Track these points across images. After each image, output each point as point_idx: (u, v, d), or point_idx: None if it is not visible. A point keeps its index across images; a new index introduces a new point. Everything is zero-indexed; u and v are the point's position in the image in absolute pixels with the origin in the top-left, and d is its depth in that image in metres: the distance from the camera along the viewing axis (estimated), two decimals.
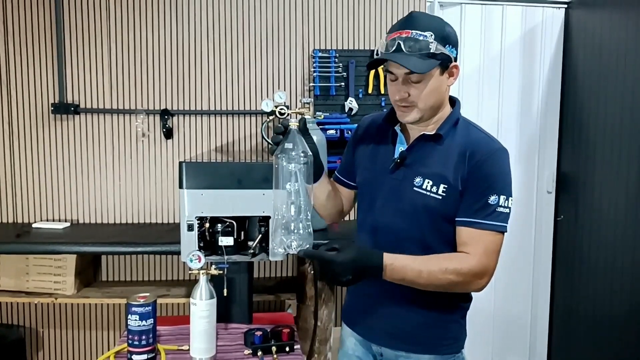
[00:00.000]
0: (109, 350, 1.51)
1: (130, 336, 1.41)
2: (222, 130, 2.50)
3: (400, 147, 1.31)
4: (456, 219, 1.24)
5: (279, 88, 2.49)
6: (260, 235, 1.71)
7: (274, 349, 1.50)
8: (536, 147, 2.69)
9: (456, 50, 1.25)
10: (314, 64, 2.46)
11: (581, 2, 2.53)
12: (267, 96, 2.47)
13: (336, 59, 2.46)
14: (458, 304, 1.32)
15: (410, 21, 1.21)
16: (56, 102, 2.42)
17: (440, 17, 1.27)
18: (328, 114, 2.46)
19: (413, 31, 1.19)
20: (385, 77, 1.32)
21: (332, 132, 2.37)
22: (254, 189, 1.65)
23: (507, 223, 1.22)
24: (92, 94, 2.44)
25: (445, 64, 1.23)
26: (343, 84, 2.47)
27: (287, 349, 1.52)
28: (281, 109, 2.19)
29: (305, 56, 2.49)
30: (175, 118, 2.47)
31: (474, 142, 1.24)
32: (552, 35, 2.63)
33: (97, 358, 1.44)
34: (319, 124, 2.32)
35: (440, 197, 1.23)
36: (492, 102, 2.64)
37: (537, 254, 2.72)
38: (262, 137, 2.36)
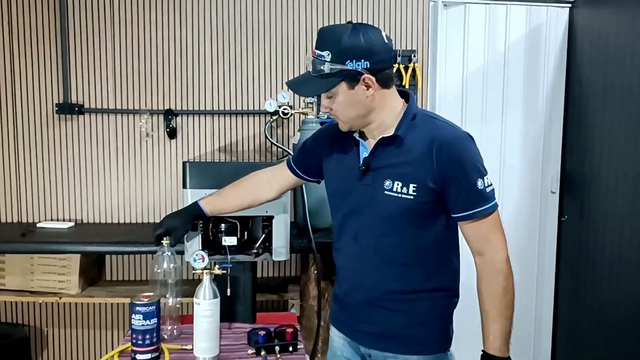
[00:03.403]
0: (113, 349, 1.51)
1: (134, 335, 1.42)
2: (226, 130, 2.51)
3: (364, 153, 1.32)
4: (456, 215, 1.26)
5: (282, 88, 2.49)
6: (264, 235, 1.72)
7: (277, 348, 1.50)
8: (540, 147, 2.68)
9: (367, 60, 1.21)
10: None
11: (586, 1, 2.52)
12: (271, 96, 2.47)
13: None
14: (442, 303, 1.34)
15: (318, 40, 1.26)
16: (60, 102, 2.43)
17: (349, 26, 1.24)
18: None
19: (317, 51, 1.24)
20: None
21: None
22: None
23: (495, 196, 1.27)
24: (96, 94, 2.45)
25: (352, 77, 1.22)
26: None
27: (291, 348, 1.52)
28: (284, 108, 2.21)
29: (309, 56, 2.49)
30: (179, 118, 2.48)
31: (439, 135, 1.24)
32: (557, 35, 2.62)
33: (101, 357, 1.44)
34: (321, 123, 2.32)
35: (412, 197, 1.23)
36: (496, 101, 2.63)
37: (541, 254, 2.72)
38: (266, 137, 2.36)
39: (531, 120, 2.66)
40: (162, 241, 1.52)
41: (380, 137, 1.29)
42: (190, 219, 1.55)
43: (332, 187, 1.41)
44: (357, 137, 1.33)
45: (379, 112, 1.28)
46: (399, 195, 1.24)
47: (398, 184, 1.25)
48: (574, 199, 2.59)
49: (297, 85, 1.31)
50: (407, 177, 1.24)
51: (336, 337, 1.45)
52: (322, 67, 1.22)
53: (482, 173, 1.24)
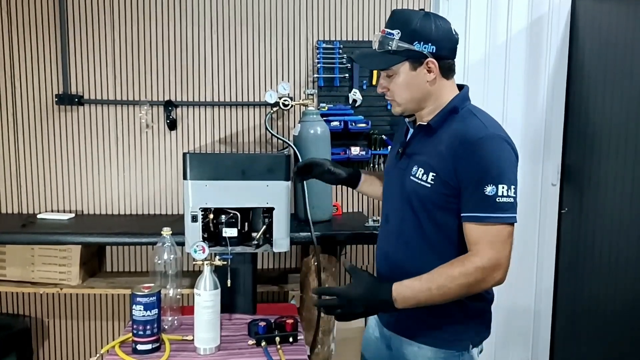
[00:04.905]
0: (113, 340, 1.52)
1: (135, 326, 1.42)
2: (226, 121, 2.50)
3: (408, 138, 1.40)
4: (461, 215, 1.23)
5: (282, 79, 2.48)
6: (264, 227, 1.71)
7: (277, 339, 1.50)
8: (541, 139, 2.67)
9: (434, 45, 1.26)
10: (318, 55, 2.45)
11: None
12: (271, 87, 2.46)
13: (340, 50, 2.45)
14: (462, 302, 1.27)
15: (390, 19, 1.31)
16: (60, 93, 2.42)
17: (422, 12, 1.30)
18: (332, 105, 2.45)
19: (387, 29, 1.28)
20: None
21: (335, 123, 2.36)
22: (257, 180, 1.65)
23: (513, 212, 1.18)
24: (96, 85, 2.44)
25: (416, 59, 1.27)
26: (347, 75, 2.46)
27: (291, 339, 1.53)
28: (285, 100, 2.20)
29: (310, 47, 2.48)
30: (179, 109, 2.47)
31: (463, 131, 1.23)
32: (559, 26, 2.61)
33: (102, 347, 1.45)
34: (322, 115, 2.32)
35: (429, 185, 1.25)
36: (497, 92, 2.62)
37: (541, 246, 2.72)
38: (266, 128, 2.35)
39: (532, 112, 2.66)
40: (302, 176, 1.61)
41: (417, 124, 1.35)
42: (345, 170, 1.59)
43: (386, 168, 1.49)
44: (407, 123, 1.41)
45: (433, 100, 1.31)
46: (419, 181, 1.27)
47: (421, 171, 1.28)
48: (574, 191, 2.59)
49: (362, 58, 1.37)
50: (429, 166, 1.26)
51: (371, 317, 1.51)
52: (389, 45, 1.27)
53: (498, 179, 1.17)
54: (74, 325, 2.55)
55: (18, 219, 2.32)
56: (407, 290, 1.19)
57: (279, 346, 1.49)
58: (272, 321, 1.56)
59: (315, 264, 2.00)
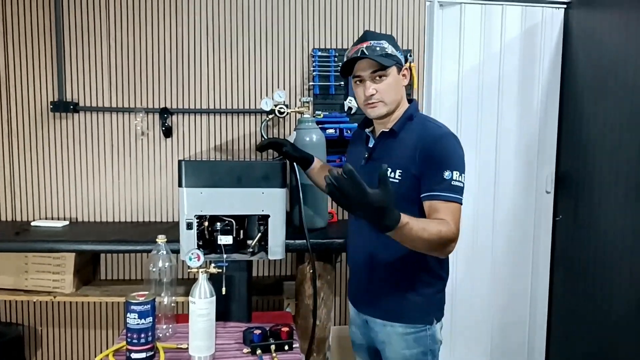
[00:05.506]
0: (107, 348, 1.51)
1: (129, 334, 1.41)
2: (222, 128, 2.50)
3: (370, 145, 1.62)
4: (421, 195, 1.44)
5: (278, 87, 2.49)
6: (260, 234, 1.71)
7: (272, 347, 1.50)
8: (535, 147, 2.69)
9: (404, 59, 1.56)
10: (314, 63, 2.46)
11: (581, 2, 2.53)
12: (267, 95, 2.47)
13: (336, 58, 2.46)
14: (425, 281, 1.53)
15: (367, 36, 1.54)
16: (55, 100, 2.41)
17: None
18: (327, 113, 2.46)
19: (371, 42, 1.51)
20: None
21: (331, 131, 2.37)
22: (253, 187, 1.65)
23: (462, 195, 1.43)
24: (92, 92, 2.44)
25: (400, 65, 1.54)
26: (342, 83, 2.47)
27: (286, 347, 1.52)
28: (280, 107, 2.21)
29: (305, 55, 2.49)
30: (174, 116, 2.47)
31: (424, 132, 1.49)
32: (552, 35, 2.64)
33: (95, 356, 1.44)
34: (318, 123, 2.32)
35: (397, 181, 1.47)
36: (491, 101, 2.64)
37: (536, 253, 2.73)
38: (262, 136, 2.36)
39: (526, 120, 2.68)
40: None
41: (380, 131, 1.57)
42: (299, 153, 1.83)
43: None
44: (368, 133, 1.64)
45: (402, 104, 1.58)
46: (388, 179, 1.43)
47: (388, 170, 1.43)
48: (568, 198, 2.61)
49: (371, 52, 1.49)
50: (396, 164, 1.48)
51: (351, 306, 1.73)
52: (385, 50, 1.50)
53: (453, 167, 1.41)
54: (67, 334, 2.53)
55: (12, 227, 2.31)
56: (407, 229, 1.28)
57: (274, 354, 1.49)
58: (268, 329, 1.56)
59: (311, 271, 2.00)
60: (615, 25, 2.25)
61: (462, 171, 1.43)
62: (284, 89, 2.48)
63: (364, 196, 1.18)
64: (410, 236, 1.30)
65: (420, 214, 1.44)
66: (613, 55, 2.24)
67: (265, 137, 2.22)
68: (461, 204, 1.43)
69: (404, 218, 1.27)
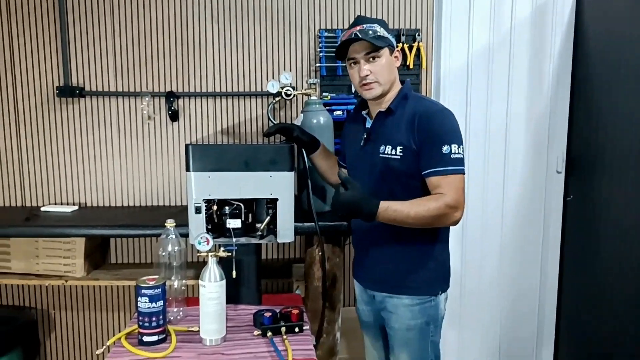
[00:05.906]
0: (120, 331, 1.52)
1: (140, 318, 1.43)
2: (228, 112, 2.49)
3: (368, 126, 1.66)
4: (422, 173, 1.51)
5: (285, 69, 2.46)
6: (268, 217, 1.71)
7: (283, 329, 1.51)
8: (546, 127, 2.65)
9: (393, 41, 1.62)
10: (320, 44, 2.43)
11: None
12: (273, 77, 2.44)
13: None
14: (428, 254, 1.61)
15: (359, 20, 1.60)
16: (61, 85, 2.41)
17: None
18: (335, 94, 2.43)
19: (364, 25, 1.57)
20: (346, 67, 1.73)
21: (338, 112, 2.34)
22: (261, 171, 1.64)
23: (463, 166, 1.49)
24: (97, 76, 2.43)
25: (392, 47, 1.60)
26: None
27: (297, 329, 1.53)
28: (287, 90, 2.18)
29: (312, 36, 2.46)
30: (180, 100, 2.46)
31: (420, 108, 1.54)
32: (563, 13, 2.57)
33: (108, 339, 1.46)
34: (325, 104, 2.30)
35: (399, 157, 1.53)
36: (501, 80, 2.60)
37: (546, 234, 2.71)
38: (269, 118, 2.34)
39: (537, 100, 2.63)
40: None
41: (377, 111, 1.61)
42: (307, 136, 1.83)
43: (348, 157, 1.78)
44: (365, 115, 1.69)
45: (395, 85, 1.63)
46: (389, 156, 1.55)
47: (389, 147, 1.55)
48: (579, 179, 2.58)
49: (365, 35, 1.54)
50: (396, 141, 1.54)
51: (357, 285, 1.79)
52: (377, 32, 1.56)
53: (450, 141, 1.47)
54: (79, 317, 2.57)
55: (22, 212, 2.33)
56: (390, 212, 1.44)
57: (284, 336, 1.49)
58: (278, 312, 1.57)
59: (320, 254, 2.00)
60: (629, 2, 2.19)
61: (459, 143, 1.49)
62: (291, 70, 2.45)
63: (337, 200, 1.42)
64: (398, 218, 1.44)
65: (423, 187, 1.53)
66: (627, 32, 2.19)
67: (273, 122, 2.20)
68: (463, 173, 1.49)
69: (383, 204, 1.43)
